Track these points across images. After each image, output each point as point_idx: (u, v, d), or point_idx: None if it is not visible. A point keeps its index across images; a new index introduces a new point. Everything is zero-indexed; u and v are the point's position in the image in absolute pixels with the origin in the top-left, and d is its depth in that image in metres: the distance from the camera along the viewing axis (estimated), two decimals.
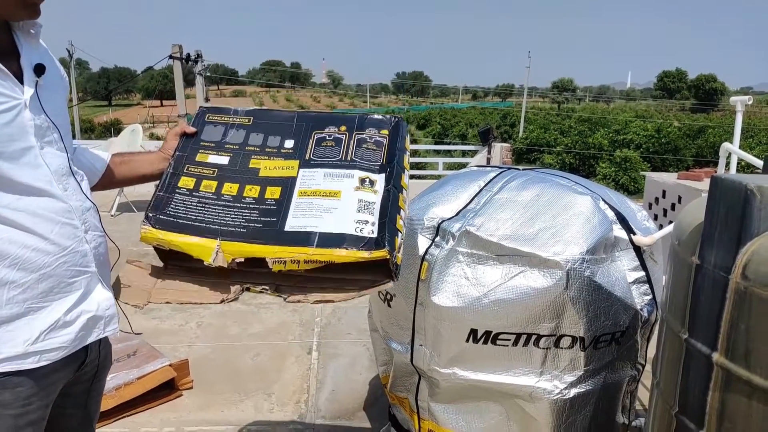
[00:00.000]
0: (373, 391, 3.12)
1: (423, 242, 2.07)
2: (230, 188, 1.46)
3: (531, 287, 1.84)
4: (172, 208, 1.43)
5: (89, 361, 1.37)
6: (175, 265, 1.43)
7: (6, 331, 1.16)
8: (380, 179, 1.48)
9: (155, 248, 1.46)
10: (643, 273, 1.99)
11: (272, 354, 3.58)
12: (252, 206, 1.42)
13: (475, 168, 2.49)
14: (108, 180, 1.54)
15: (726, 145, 2.60)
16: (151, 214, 1.42)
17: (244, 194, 1.45)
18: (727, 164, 2.76)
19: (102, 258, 1.34)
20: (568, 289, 1.82)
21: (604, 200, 2.07)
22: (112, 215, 7.11)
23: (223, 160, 1.52)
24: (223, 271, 1.38)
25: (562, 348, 1.88)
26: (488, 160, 9.90)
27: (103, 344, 1.43)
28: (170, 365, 2.99)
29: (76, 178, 1.30)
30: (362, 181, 1.46)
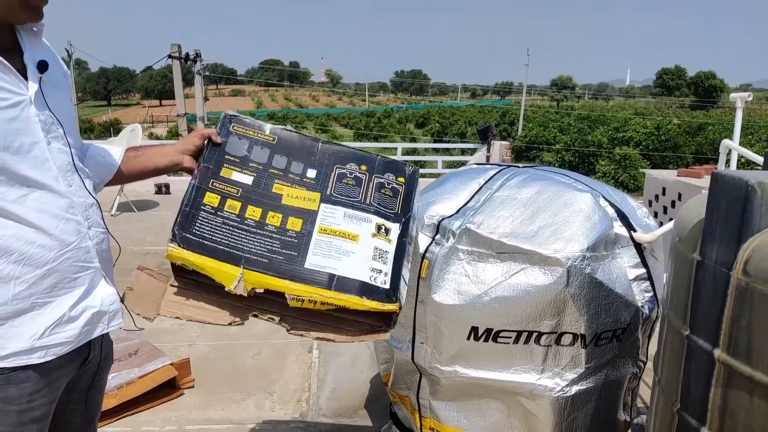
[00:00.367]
0: (375, 390, 3.12)
1: (423, 240, 2.07)
2: (253, 212, 1.47)
3: (532, 285, 1.84)
4: (198, 227, 1.43)
5: (92, 357, 1.38)
6: (186, 278, 1.44)
7: (12, 327, 1.17)
8: (395, 228, 1.52)
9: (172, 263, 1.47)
10: (643, 270, 1.99)
11: (273, 353, 3.58)
12: (274, 235, 1.44)
13: (475, 166, 2.49)
14: (123, 175, 1.55)
15: (726, 141, 2.60)
16: (178, 233, 1.41)
17: (267, 221, 1.46)
18: (728, 161, 2.76)
19: (105, 254, 1.36)
20: (568, 287, 1.82)
21: (604, 197, 2.07)
22: (112, 215, 7.11)
23: (247, 179, 1.53)
24: (233, 295, 1.40)
25: (563, 345, 1.88)
26: (487, 158, 9.90)
27: (105, 341, 1.44)
28: (171, 364, 2.99)
29: (80, 175, 1.31)
30: (379, 228, 1.50)
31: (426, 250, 2.04)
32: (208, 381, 3.19)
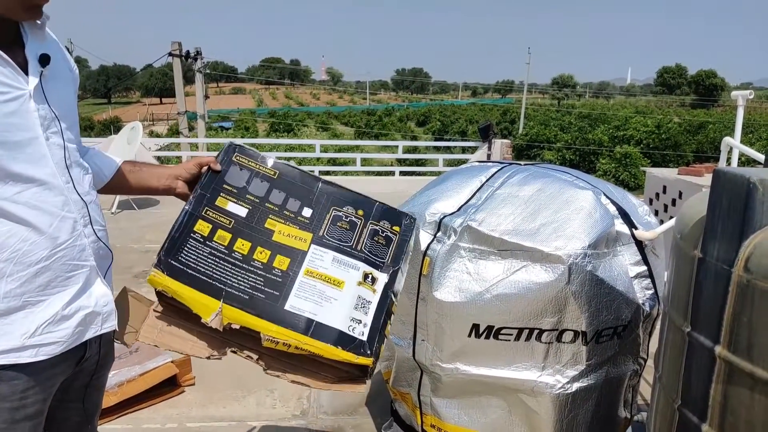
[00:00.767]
0: (376, 387, 3.13)
1: (425, 237, 2.07)
2: (242, 245, 1.46)
3: (533, 282, 1.85)
4: (185, 254, 1.41)
5: (88, 357, 1.37)
6: (169, 304, 1.42)
7: (3, 324, 1.16)
8: (382, 279, 1.50)
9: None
10: (644, 267, 1.99)
11: None
12: (259, 272, 1.43)
13: (477, 163, 2.49)
14: (114, 186, 1.53)
15: (727, 139, 2.60)
16: (163, 258, 1.40)
17: (254, 256, 1.45)
18: (728, 159, 2.77)
19: (101, 252, 1.34)
20: (570, 284, 1.82)
21: (605, 195, 2.07)
22: (112, 213, 7.11)
23: (242, 211, 1.51)
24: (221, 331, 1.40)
25: (564, 342, 1.88)
26: (488, 156, 9.89)
27: (104, 341, 1.43)
28: (172, 362, 2.99)
29: (78, 171, 1.29)
30: (366, 276, 1.48)
31: (427, 248, 2.04)
32: (209, 378, 3.19)
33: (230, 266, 1.42)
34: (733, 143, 2.58)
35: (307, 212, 1.55)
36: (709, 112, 49.99)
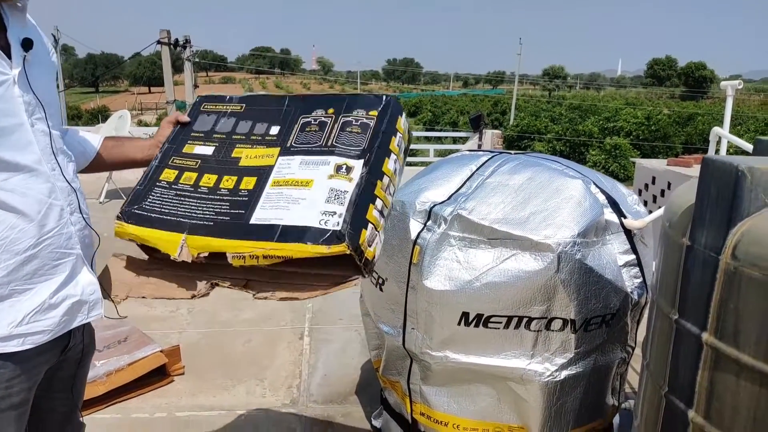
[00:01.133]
0: (365, 376, 3.14)
1: (415, 226, 2.07)
2: (208, 180, 1.44)
3: (522, 270, 1.85)
4: (149, 202, 1.41)
5: (72, 346, 1.36)
6: (158, 258, 1.41)
7: None
8: (358, 165, 1.38)
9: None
10: (633, 256, 2.00)
11: (264, 340, 3.58)
12: (225, 198, 1.39)
13: (467, 152, 2.49)
14: (98, 163, 1.52)
15: (716, 129, 2.61)
16: (125, 209, 1.41)
17: (221, 185, 1.42)
18: (717, 149, 2.78)
19: (87, 240, 1.33)
20: (559, 272, 1.83)
21: (595, 184, 2.07)
22: (100, 202, 7.06)
23: (208, 150, 1.49)
24: (200, 265, 1.36)
25: (553, 330, 1.89)
26: (479, 147, 9.91)
27: (87, 330, 1.42)
28: (161, 351, 2.99)
29: (63, 158, 1.27)
30: (338, 168, 1.38)
31: (418, 236, 2.04)
32: (198, 368, 3.18)
33: (195, 201, 1.40)
34: (722, 133, 2.59)
35: (274, 130, 1.50)
36: (699, 104, 50.26)
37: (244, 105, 1.58)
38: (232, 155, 1.48)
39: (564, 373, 1.93)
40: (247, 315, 3.93)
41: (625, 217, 2.02)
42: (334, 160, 1.39)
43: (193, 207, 1.39)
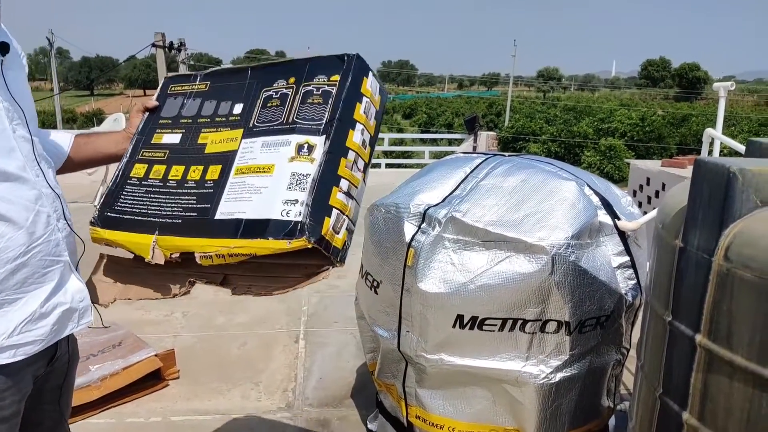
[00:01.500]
0: (361, 379, 3.13)
1: (409, 229, 2.07)
2: (176, 172, 1.36)
3: (517, 272, 1.85)
4: (120, 202, 1.36)
5: (60, 355, 1.33)
6: (140, 260, 1.36)
7: None
8: (320, 143, 1.25)
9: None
10: (627, 258, 2.00)
11: (259, 343, 3.57)
12: (192, 191, 1.32)
13: (461, 154, 2.49)
14: (72, 163, 1.47)
15: (709, 130, 2.62)
16: (98, 213, 1.36)
17: (188, 177, 1.34)
18: (710, 150, 2.79)
19: (72, 247, 1.30)
20: (553, 274, 1.83)
21: (589, 186, 2.08)
22: (95, 206, 7.03)
23: (176, 138, 1.41)
24: (179, 263, 1.32)
25: (547, 333, 1.89)
26: (474, 148, 9.92)
27: (71, 338, 1.39)
28: (156, 355, 2.97)
29: (45, 164, 1.25)
30: (299, 148, 1.25)
31: (412, 239, 2.04)
32: (193, 372, 3.17)
33: (164, 197, 1.34)
34: (715, 134, 2.60)
35: (238, 109, 1.40)
36: (693, 105, 50.51)
37: (209, 83, 1.48)
38: (198, 141, 1.39)
39: (559, 375, 1.93)
40: (241, 318, 3.92)
41: (618, 219, 2.02)
42: (295, 138, 1.27)
43: (162, 203, 1.33)
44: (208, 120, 1.42)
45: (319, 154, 1.25)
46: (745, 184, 1.10)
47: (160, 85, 1.54)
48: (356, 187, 1.30)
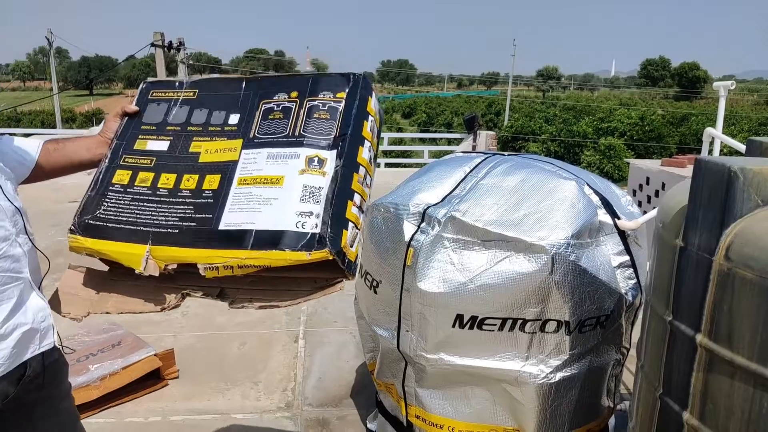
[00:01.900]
0: (360, 379, 3.13)
1: (409, 228, 2.06)
2: (167, 180, 1.31)
3: (516, 272, 1.85)
4: (103, 209, 1.29)
5: (30, 374, 1.24)
6: (120, 269, 1.30)
7: None
8: (331, 157, 1.27)
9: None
10: (627, 257, 2.00)
11: (259, 343, 3.56)
12: (188, 200, 1.28)
13: (461, 154, 2.49)
14: (42, 171, 1.38)
15: (709, 129, 2.62)
16: (78, 220, 1.29)
17: (181, 186, 1.30)
18: (710, 149, 2.79)
19: (35, 263, 1.24)
20: (553, 274, 1.83)
21: (588, 185, 2.07)
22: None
23: (163, 145, 1.36)
24: (169, 276, 1.27)
25: (547, 332, 1.89)
26: (474, 147, 9.92)
27: (47, 354, 1.29)
28: (155, 355, 2.97)
29: (2, 177, 1.19)
30: (310, 161, 1.27)
31: (411, 239, 2.03)
32: (192, 371, 3.17)
33: (155, 205, 1.28)
34: (715, 133, 2.60)
35: (234, 119, 1.37)
36: (692, 105, 50.53)
37: (197, 91, 1.44)
38: (190, 150, 1.35)
39: (559, 375, 1.92)
40: (241, 318, 3.92)
41: (618, 218, 2.02)
42: (304, 152, 1.28)
43: (153, 212, 1.28)
44: (200, 128, 1.39)
45: (330, 167, 1.26)
46: (746, 183, 1.10)
47: (139, 90, 1.48)
48: (365, 202, 1.33)
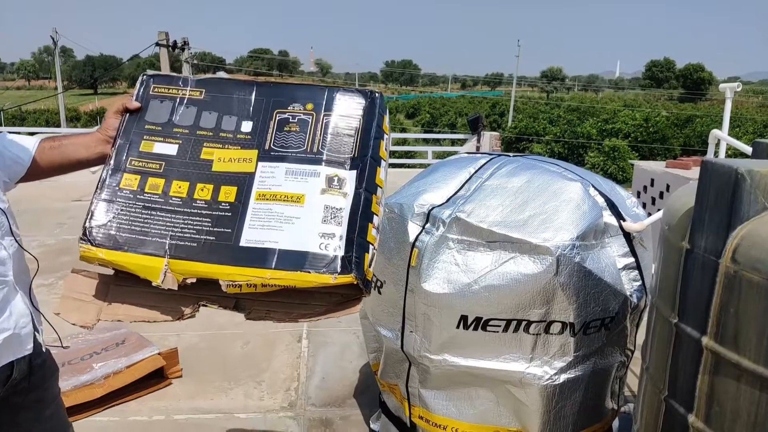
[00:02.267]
0: (364, 379, 3.13)
1: (413, 229, 2.06)
2: (179, 187, 1.28)
3: (521, 273, 1.84)
4: (115, 218, 1.25)
5: (17, 376, 1.23)
6: (127, 275, 1.26)
7: None
8: (351, 178, 1.27)
9: None
10: (632, 259, 1.99)
11: (262, 342, 3.57)
12: (204, 212, 1.25)
13: (465, 154, 2.49)
14: (39, 169, 1.34)
15: (715, 131, 2.61)
16: (89, 228, 1.23)
17: (195, 195, 1.27)
18: (716, 151, 2.78)
19: (22, 266, 1.21)
20: (558, 275, 1.82)
21: (594, 186, 2.07)
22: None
23: (171, 149, 1.32)
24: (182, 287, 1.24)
25: (552, 334, 1.89)
26: (477, 148, 9.91)
27: (34, 356, 1.27)
28: (159, 354, 2.98)
29: None
30: (330, 180, 1.26)
31: (416, 239, 2.03)
32: (196, 370, 3.17)
33: (170, 215, 1.25)
34: (721, 135, 2.59)
35: (246, 126, 1.34)
36: (697, 106, 50.36)
37: (204, 90, 1.39)
38: (201, 156, 1.31)
39: (563, 377, 1.92)
40: (244, 317, 3.92)
41: (624, 220, 2.01)
42: (324, 170, 1.27)
43: (168, 223, 1.25)
44: (210, 133, 1.35)
45: (350, 188, 1.26)
46: (753, 185, 1.10)
47: (139, 83, 1.41)
48: (379, 219, 1.31)
